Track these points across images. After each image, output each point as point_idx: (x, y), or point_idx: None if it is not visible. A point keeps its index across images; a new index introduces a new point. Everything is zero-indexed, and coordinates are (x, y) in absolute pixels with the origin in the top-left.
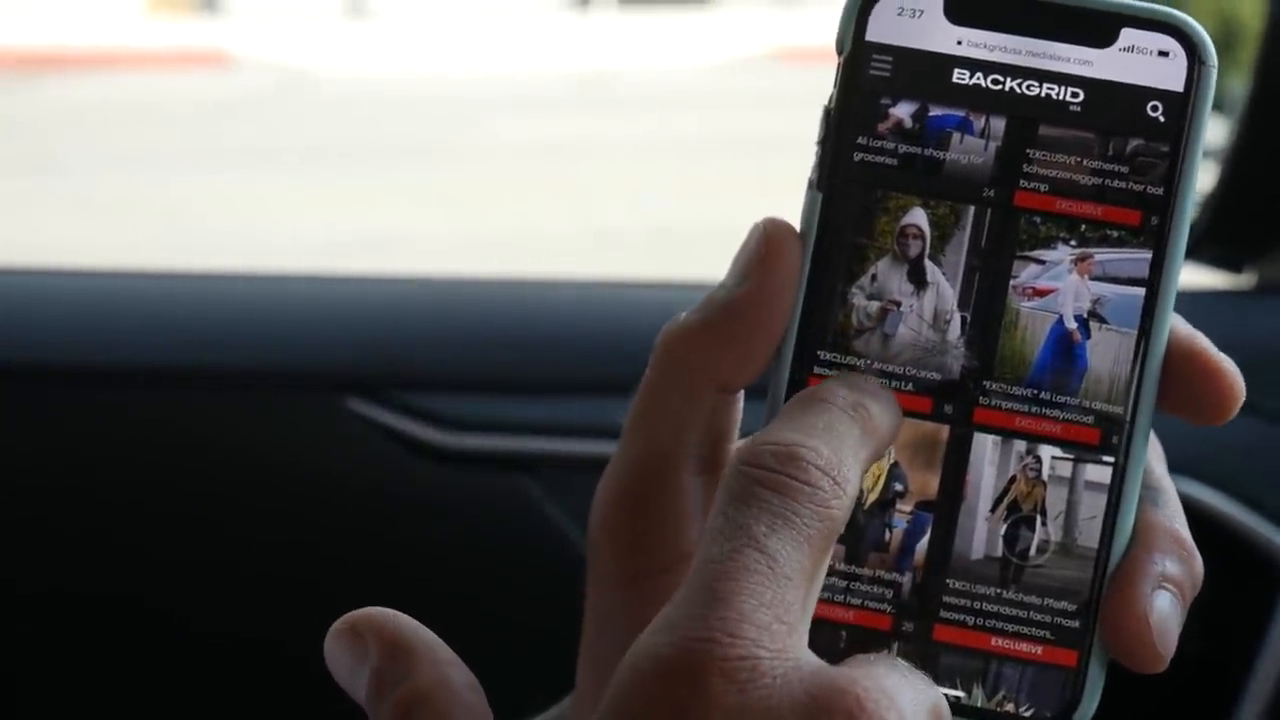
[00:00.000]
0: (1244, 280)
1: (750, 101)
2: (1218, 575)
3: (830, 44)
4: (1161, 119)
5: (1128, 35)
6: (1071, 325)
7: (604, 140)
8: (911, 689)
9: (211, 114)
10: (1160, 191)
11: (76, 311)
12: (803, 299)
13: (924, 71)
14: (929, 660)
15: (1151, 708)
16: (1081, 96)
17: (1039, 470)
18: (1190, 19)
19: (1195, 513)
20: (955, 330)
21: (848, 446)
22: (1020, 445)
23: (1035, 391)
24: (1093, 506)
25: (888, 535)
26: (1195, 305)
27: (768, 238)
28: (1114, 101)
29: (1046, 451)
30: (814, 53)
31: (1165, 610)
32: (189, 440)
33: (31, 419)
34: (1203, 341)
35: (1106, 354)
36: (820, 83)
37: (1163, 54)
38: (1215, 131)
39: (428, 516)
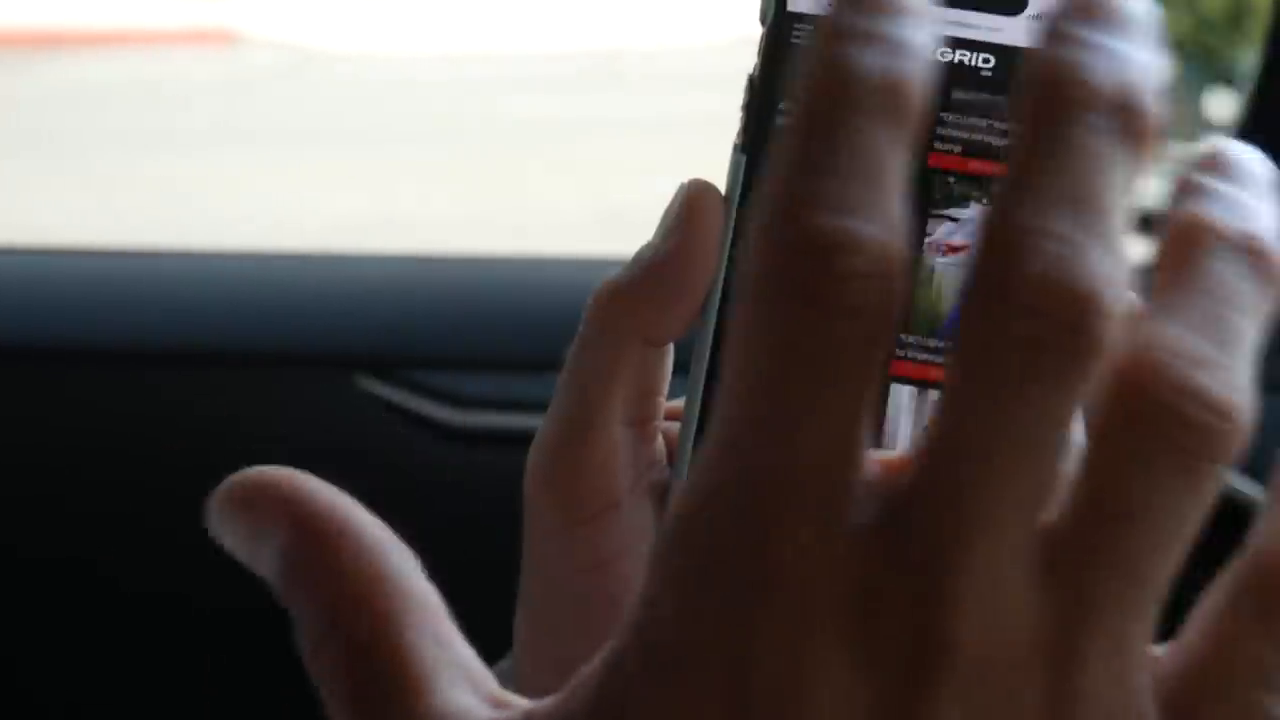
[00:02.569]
0: None
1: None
2: (1228, 553)
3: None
4: None
5: (1036, 3)
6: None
7: (613, 119)
8: None
9: (219, 93)
10: None
11: (83, 292)
12: (727, 256)
13: None
14: None
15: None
16: (992, 62)
17: None
18: None
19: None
20: None
21: (887, 187)
22: (935, 395)
23: (949, 344)
24: None
25: None
26: None
27: (689, 197)
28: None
29: None
30: None
31: None
32: (200, 420)
33: (41, 398)
34: None
35: None
36: None
37: None
38: (1223, 107)
39: (439, 494)
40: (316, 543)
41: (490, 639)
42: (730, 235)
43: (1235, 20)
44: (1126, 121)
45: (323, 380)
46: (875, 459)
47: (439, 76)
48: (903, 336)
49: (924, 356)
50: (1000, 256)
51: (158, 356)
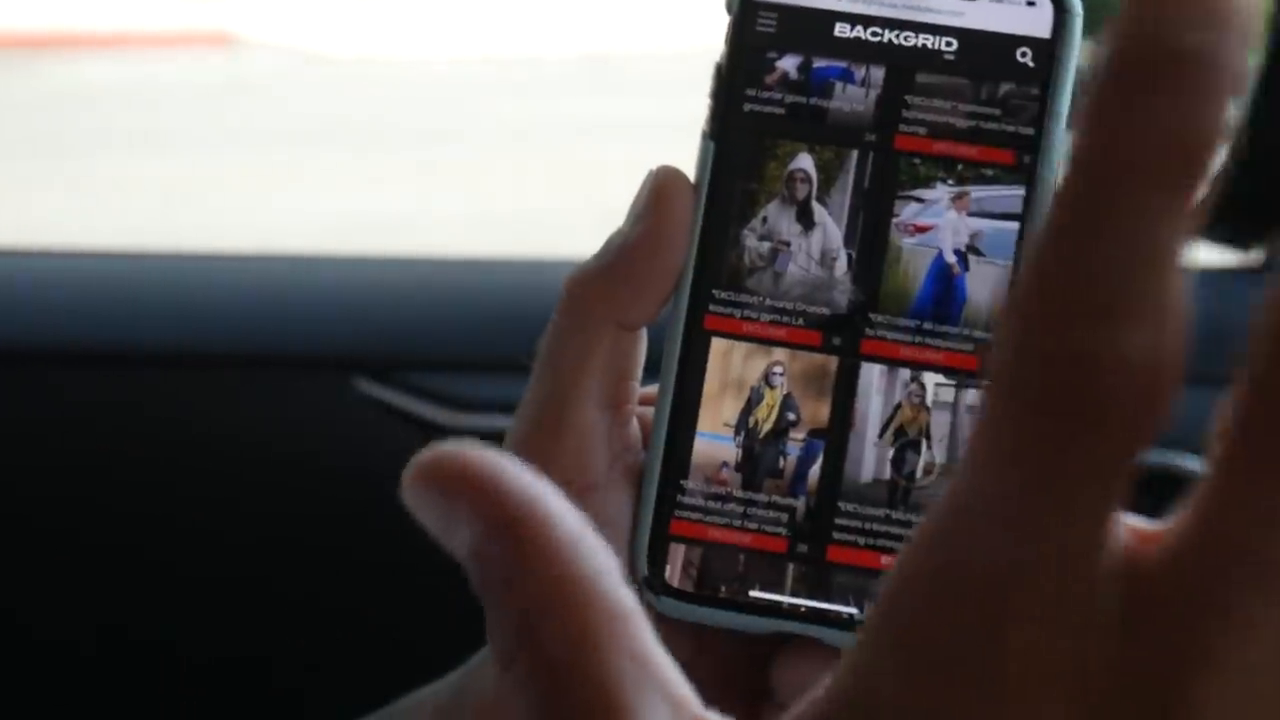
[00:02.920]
0: (1252, 258)
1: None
2: None
3: None
4: (1030, 64)
5: None
6: (951, 259)
7: (612, 120)
8: None
9: (217, 95)
10: (1031, 131)
11: (81, 294)
12: (697, 241)
13: (807, 26)
14: (823, 579)
15: None
16: (955, 45)
17: (923, 397)
18: None
19: None
20: (842, 267)
21: (1169, 274)
22: (905, 374)
23: (918, 323)
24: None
25: (782, 462)
26: (1203, 283)
27: (658, 184)
28: (985, 49)
29: (930, 379)
30: None
31: None
32: (197, 422)
33: (39, 400)
34: None
35: (984, 285)
36: None
37: (1030, 3)
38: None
39: None
40: (509, 540)
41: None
42: (700, 221)
43: None
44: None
45: (320, 383)
46: (1126, 525)
47: (436, 79)
48: (873, 316)
49: (893, 336)
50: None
51: (156, 358)
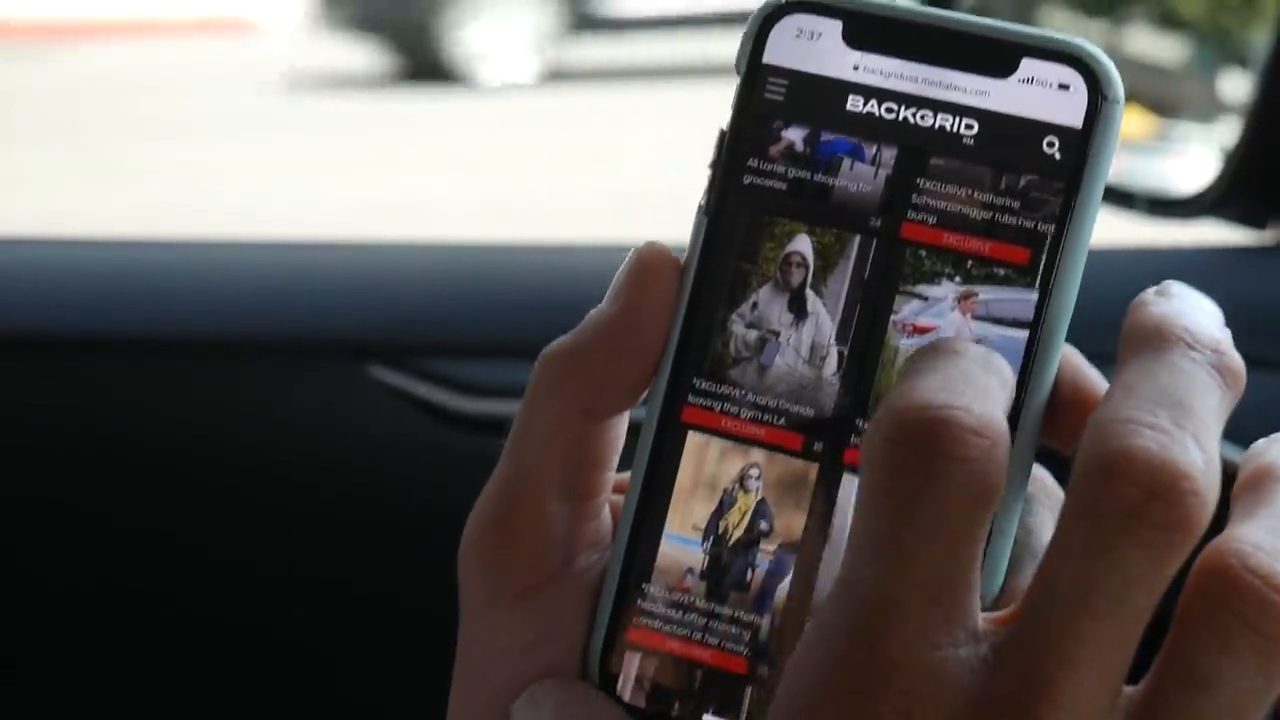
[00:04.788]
0: (1266, 237)
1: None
2: None
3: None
4: (1057, 155)
5: (1028, 66)
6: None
7: (627, 106)
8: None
9: (233, 82)
10: (1051, 230)
11: (96, 281)
12: (680, 323)
13: (818, 96)
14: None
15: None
16: (976, 128)
17: None
18: (1096, 51)
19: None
20: (832, 366)
21: (994, 400)
22: None
23: None
24: None
25: (749, 575)
26: (1216, 262)
27: (640, 261)
28: (1009, 134)
29: None
30: None
31: None
32: (209, 408)
33: (54, 387)
34: (1090, 383)
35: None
36: None
37: (1063, 87)
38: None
39: (451, 481)
40: None
41: None
42: (686, 301)
43: (1249, 1)
44: (1219, 360)
45: (334, 369)
46: (988, 618)
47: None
48: (859, 422)
49: None
50: (1107, 437)
51: (167, 344)
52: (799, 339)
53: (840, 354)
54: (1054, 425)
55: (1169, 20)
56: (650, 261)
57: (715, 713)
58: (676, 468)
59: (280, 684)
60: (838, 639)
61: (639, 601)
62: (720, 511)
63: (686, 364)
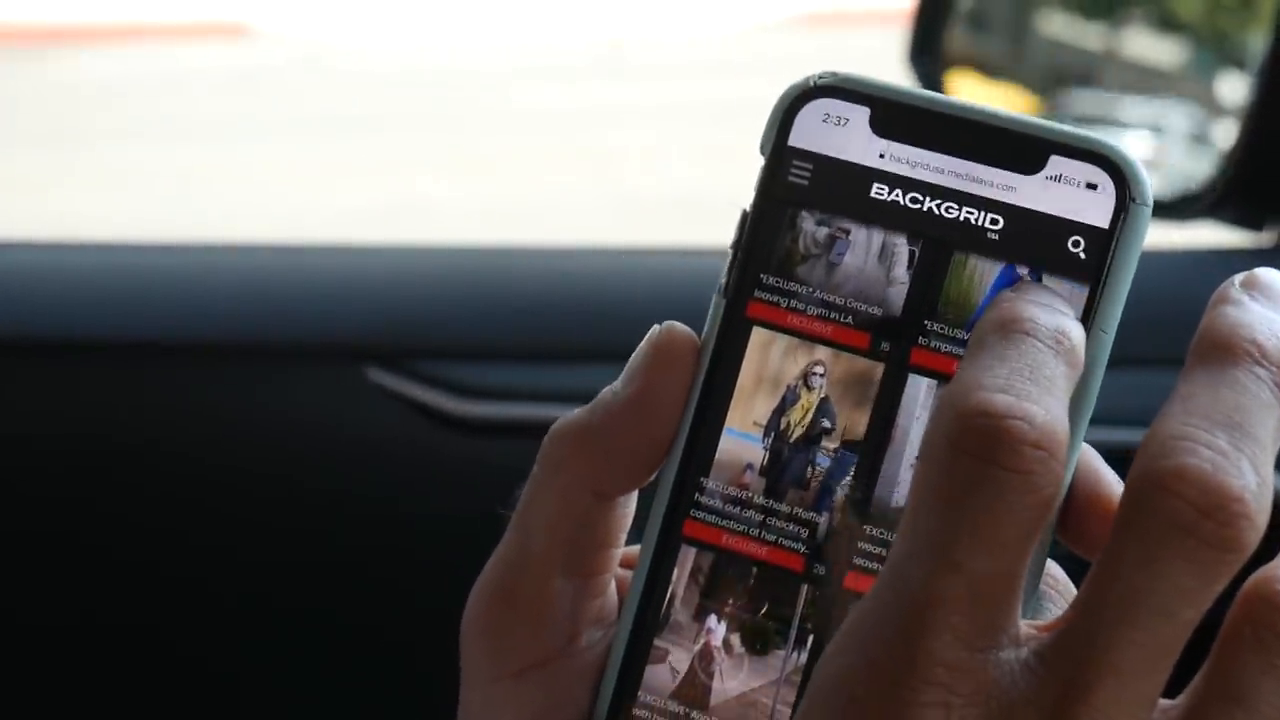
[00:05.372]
0: (1265, 238)
1: (773, 67)
2: None
3: (853, 11)
4: (1083, 255)
5: (1056, 163)
6: (1022, 271)
7: (627, 108)
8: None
9: (231, 86)
10: None
11: (94, 285)
12: (693, 412)
13: (842, 182)
14: (837, 608)
15: (1179, 674)
16: (1001, 223)
17: None
18: (1127, 152)
19: None
20: (901, 265)
21: (1059, 399)
22: None
23: None
24: None
25: (809, 473)
26: (1214, 263)
27: (659, 344)
28: (1035, 231)
29: None
30: (837, 18)
31: None
32: (207, 411)
33: (52, 391)
34: (1109, 483)
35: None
36: (843, 47)
37: (1091, 186)
38: (1235, 90)
39: (449, 485)
40: None
41: None
42: (700, 387)
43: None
44: None
45: (332, 372)
46: (1032, 625)
47: (449, 67)
48: (927, 324)
49: (947, 348)
50: (1165, 452)
51: (167, 349)
52: (870, 236)
53: (911, 253)
54: (1068, 528)
55: (1167, 22)
56: (668, 346)
57: (769, 612)
58: (739, 364)
59: (280, 684)
60: (883, 629)
61: (697, 495)
62: (783, 408)
63: (697, 451)
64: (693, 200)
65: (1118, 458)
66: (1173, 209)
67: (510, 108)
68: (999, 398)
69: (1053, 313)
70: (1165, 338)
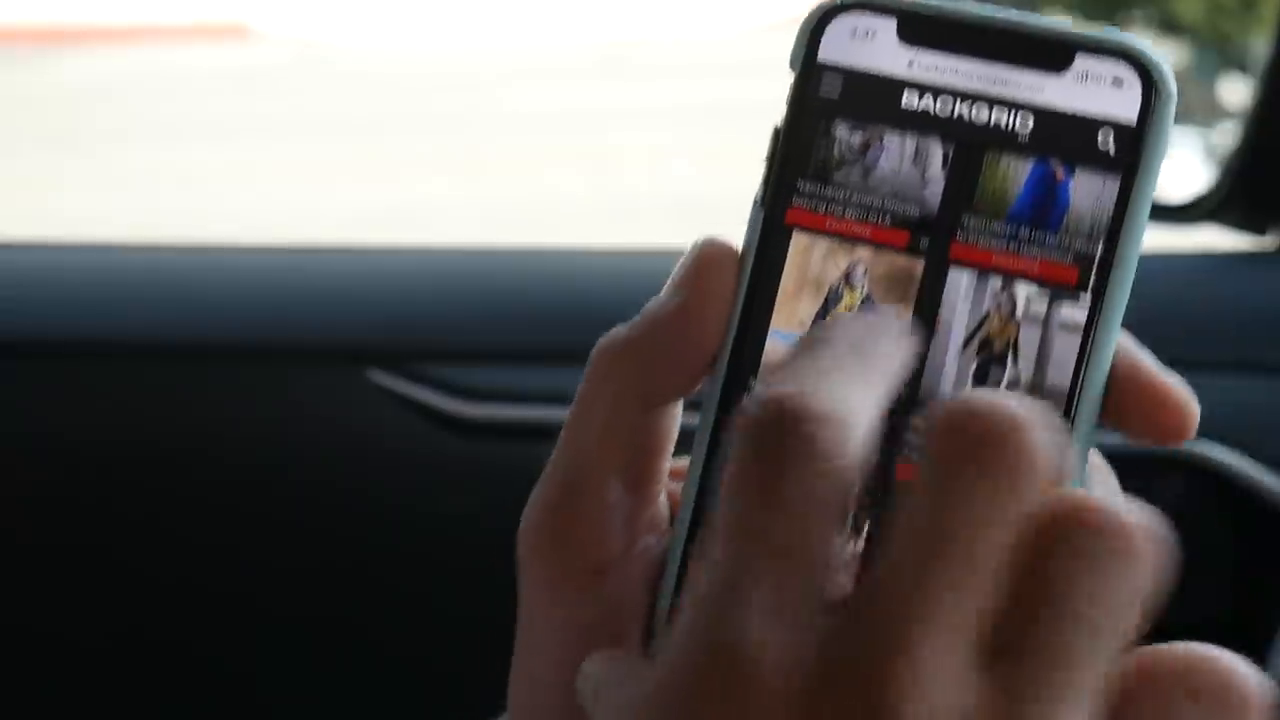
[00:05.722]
0: (1267, 242)
1: (771, 70)
2: (1243, 538)
3: None
4: (1112, 150)
5: (1082, 62)
6: (1054, 167)
7: (625, 110)
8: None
9: (232, 87)
10: (1107, 222)
11: (95, 286)
12: (739, 315)
13: (873, 93)
14: (888, 498)
15: None
16: (1031, 123)
17: (1013, 308)
18: (1149, 47)
19: (1217, 476)
20: (936, 163)
21: (853, 388)
22: (996, 282)
23: (1014, 228)
24: (1066, 347)
25: None
26: (1217, 267)
27: (702, 254)
28: (1065, 129)
29: (1022, 289)
30: None
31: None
32: (209, 413)
33: (52, 391)
34: (1148, 367)
35: (1089, 194)
36: None
37: (1117, 82)
38: (1237, 93)
39: (450, 486)
40: None
41: (500, 627)
42: (744, 293)
43: (1249, 5)
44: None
45: (333, 374)
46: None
47: (449, 69)
48: (964, 219)
49: (985, 241)
50: (938, 407)
51: (169, 350)
52: (903, 141)
53: (944, 155)
54: (1111, 411)
55: (1169, 25)
56: (711, 257)
57: None
58: (781, 268)
59: (281, 684)
60: (687, 622)
61: (745, 398)
62: (826, 308)
63: (745, 356)
64: (693, 201)
65: (1119, 458)
66: (1175, 213)
67: (510, 109)
68: (790, 384)
69: (868, 321)
70: (1168, 341)
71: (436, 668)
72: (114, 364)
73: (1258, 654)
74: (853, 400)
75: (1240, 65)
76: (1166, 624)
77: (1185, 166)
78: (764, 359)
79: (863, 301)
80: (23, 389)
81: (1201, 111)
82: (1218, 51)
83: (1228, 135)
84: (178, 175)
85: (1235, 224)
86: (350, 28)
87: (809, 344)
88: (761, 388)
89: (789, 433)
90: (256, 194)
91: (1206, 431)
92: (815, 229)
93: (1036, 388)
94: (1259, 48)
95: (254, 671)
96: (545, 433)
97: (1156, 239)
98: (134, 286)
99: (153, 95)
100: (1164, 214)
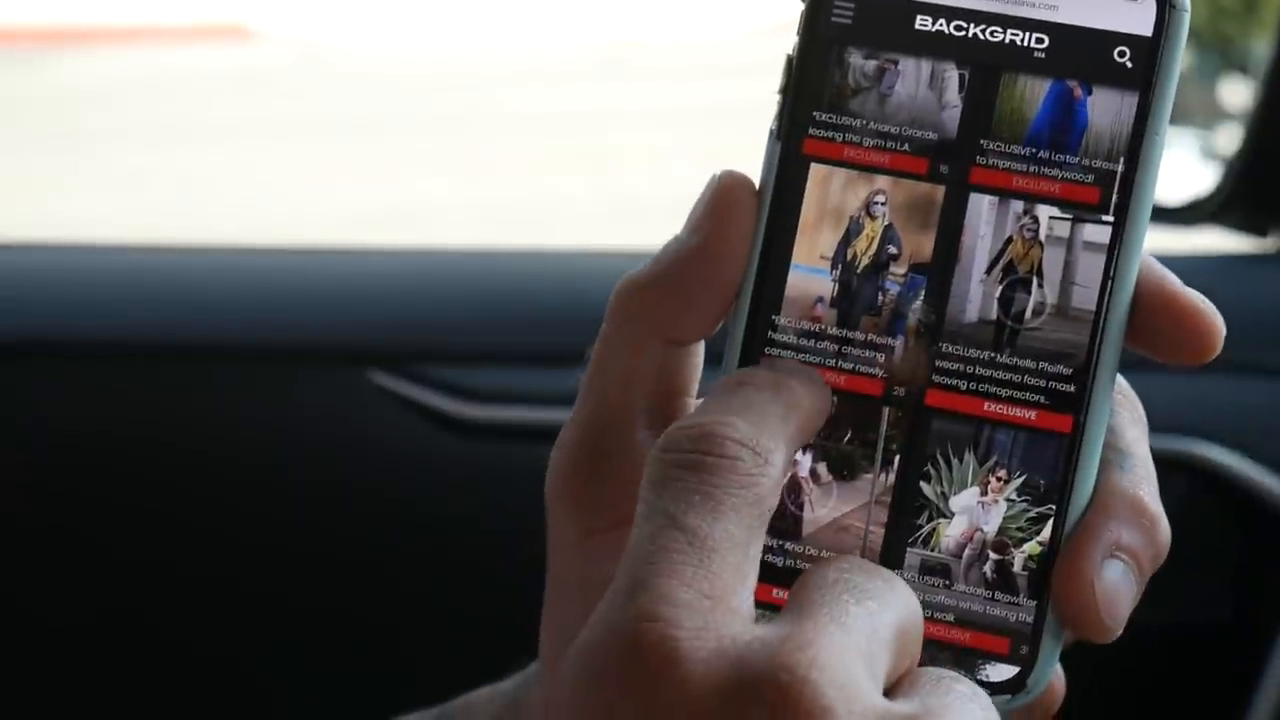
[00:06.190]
0: (1268, 244)
1: (771, 72)
2: (1243, 540)
3: None
4: (1129, 64)
5: None
6: (1071, 85)
7: (625, 111)
8: (852, 643)
9: (233, 87)
10: (1127, 135)
11: (97, 287)
12: (760, 250)
13: (885, 18)
14: (920, 426)
15: (1181, 673)
16: (1046, 41)
17: (1036, 230)
18: None
19: (1218, 477)
20: (953, 89)
21: (769, 420)
22: (1017, 205)
23: (1034, 150)
24: (1091, 267)
25: (881, 298)
26: (1218, 269)
27: (720, 190)
28: (1080, 46)
29: (1044, 211)
30: None
31: (1115, 579)
32: (210, 414)
33: (52, 392)
34: (1173, 283)
35: (1107, 111)
36: None
37: None
38: (1239, 95)
39: (453, 488)
40: None
41: (501, 627)
42: (764, 228)
43: (1250, 8)
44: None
45: (335, 375)
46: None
47: (449, 70)
48: (983, 143)
49: (1005, 165)
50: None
51: (170, 351)
52: (918, 66)
53: (961, 78)
54: (1140, 330)
55: None
56: (729, 191)
57: (852, 438)
58: (800, 201)
59: (282, 683)
60: (601, 626)
61: (770, 334)
62: (848, 240)
63: (767, 288)
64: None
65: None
66: (1177, 215)
67: (511, 109)
68: (703, 416)
69: (780, 369)
70: None
71: (437, 668)
72: (115, 365)
73: (1258, 654)
74: (770, 433)
75: (1241, 68)
76: (1167, 624)
77: (1186, 168)
78: (786, 294)
79: (884, 230)
80: (23, 389)
81: (1202, 113)
82: (1219, 54)
83: (1229, 137)
84: (178, 175)
85: (1236, 226)
86: (350, 28)
87: (725, 383)
88: (679, 420)
89: (714, 447)
90: (257, 194)
91: (1206, 432)
92: (833, 159)
93: (1062, 310)
94: (1260, 50)
95: (256, 670)
96: (546, 434)
97: (1157, 241)
98: (135, 287)
99: (153, 95)
100: (1165, 216)
